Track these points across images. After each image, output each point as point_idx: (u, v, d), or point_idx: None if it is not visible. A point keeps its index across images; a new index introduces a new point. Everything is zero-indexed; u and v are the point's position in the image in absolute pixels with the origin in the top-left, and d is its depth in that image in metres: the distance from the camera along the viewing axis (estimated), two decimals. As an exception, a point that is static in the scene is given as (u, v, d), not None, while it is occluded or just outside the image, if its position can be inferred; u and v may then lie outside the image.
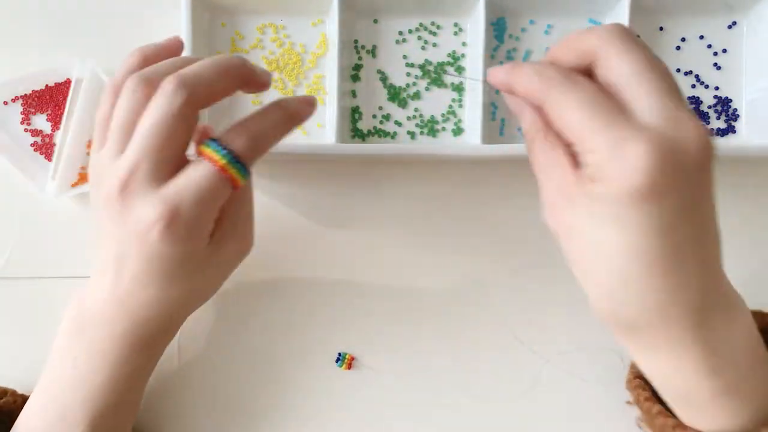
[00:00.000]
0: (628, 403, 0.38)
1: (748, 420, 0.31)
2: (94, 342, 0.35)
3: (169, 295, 0.34)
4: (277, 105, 0.34)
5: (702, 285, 0.29)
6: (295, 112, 0.34)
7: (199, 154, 0.32)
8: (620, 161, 0.27)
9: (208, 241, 0.34)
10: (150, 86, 0.32)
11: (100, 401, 0.35)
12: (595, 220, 0.29)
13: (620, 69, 0.29)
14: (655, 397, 0.35)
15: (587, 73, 0.30)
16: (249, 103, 0.45)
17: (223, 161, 0.31)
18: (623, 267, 0.29)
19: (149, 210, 0.31)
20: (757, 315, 0.36)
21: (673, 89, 0.28)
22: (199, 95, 0.31)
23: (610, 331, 0.32)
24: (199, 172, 0.31)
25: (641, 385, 0.36)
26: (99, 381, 0.35)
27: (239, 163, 0.32)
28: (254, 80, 0.34)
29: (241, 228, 0.36)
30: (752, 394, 0.31)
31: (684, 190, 0.28)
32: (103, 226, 0.34)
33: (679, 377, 0.32)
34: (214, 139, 0.32)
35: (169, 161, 0.32)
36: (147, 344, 0.36)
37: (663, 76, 0.28)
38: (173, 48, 0.35)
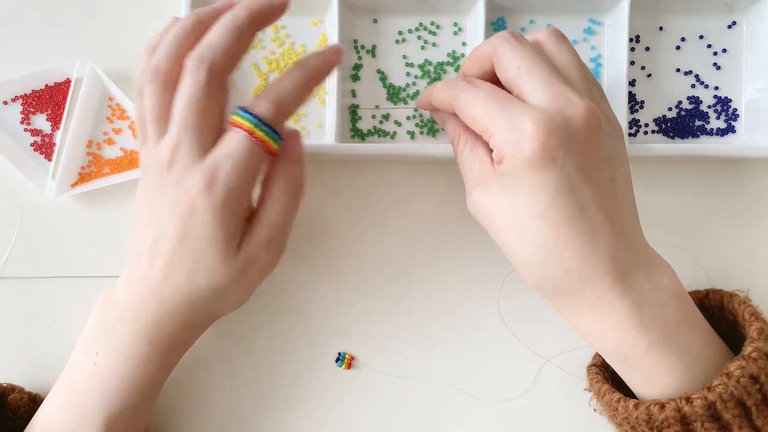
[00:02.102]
0: (585, 389, 0.39)
1: (682, 375, 0.33)
2: (116, 340, 0.35)
3: (196, 284, 0.34)
4: (298, 64, 0.36)
5: (615, 241, 0.33)
6: (315, 68, 0.36)
7: (231, 123, 0.34)
8: (514, 135, 0.32)
9: (242, 231, 0.35)
10: (160, 74, 0.34)
11: (117, 403, 0.36)
12: (509, 194, 0.33)
13: (512, 64, 0.34)
14: (607, 381, 0.37)
15: (492, 80, 0.36)
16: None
17: (249, 124, 0.34)
18: (538, 232, 0.33)
19: (195, 178, 0.33)
20: (710, 292, 0.39)
21: (560, 77, 0.33)
22: (220, 64, 0.33)
23: (545, 299, 0.35)
24: (231, 139, 0.34)
25: (596, 371, 0.38)
26: (117, 382, 0.35)
27: (266, 126, 0.34)
28: (269, 14, 0.35)
29: (276, 243, 0.36)
30: (684, 347, 0.33)
31: (577, 154, 0.32)
32: (147, 213, 0.35)
33: (612, 333, 0.34)
34: (241, 108, 0.35)
35: (207, 134, 0.34)
36: (169, 344, 0.36)
37: (550, 67, 0.33)
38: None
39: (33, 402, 0.40)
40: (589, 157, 0.32)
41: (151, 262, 0.34)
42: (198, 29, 0.35)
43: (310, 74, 0.36)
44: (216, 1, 0.37)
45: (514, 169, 0.32)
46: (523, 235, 0.33)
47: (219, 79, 0.34)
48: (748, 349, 0.32)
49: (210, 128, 0.34)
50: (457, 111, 0.35)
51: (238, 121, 0.34)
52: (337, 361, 0.44)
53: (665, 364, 0.33)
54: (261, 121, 0.34)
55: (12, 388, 0.40)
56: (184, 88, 0.33)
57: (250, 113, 0.34)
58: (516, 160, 0.32)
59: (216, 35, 0.34)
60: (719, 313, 0.38)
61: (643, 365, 0.34)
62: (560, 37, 0.35)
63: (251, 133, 0.34)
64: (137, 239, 0.35)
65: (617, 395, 0.35)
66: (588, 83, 0.35)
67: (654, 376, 0.33)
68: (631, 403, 0.34)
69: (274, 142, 0.35)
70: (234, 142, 0.34)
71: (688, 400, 0.32)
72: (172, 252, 0.34)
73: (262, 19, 0.35)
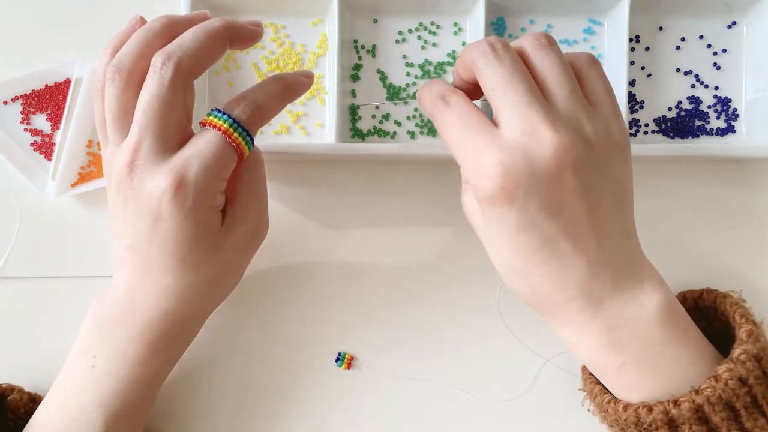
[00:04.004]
0: (580, 389, 0.39)
1: (661, 389, 0.33)
2: (113, 342, 0.35)
3: (185, 283, 0.34)
4: (276, 77, 0.36)
5: (589, 269, 0.32)
6: (292, 83, 0.36)
7: (203, 124, 0.34)
8: (476, 172, 0.31)
9: (220, 221, 0.34)
10: (122, 71, 0.33)
11: (116, 403, 0.35)
12: (483, 215, 0.33)
13: (487, 84, 0.32)
14: (599, 382, 0.37)
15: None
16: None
17: (226, 125, 0.33)
18: (506, 258, 0.33)
19: (158, 181, 0.32)
20: (705, 292, 0.38)
21: (536, 100, 0.31)
22: (188, 64, 0.33)
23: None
24: (204, 138, 0.33)
25: (589, 371, 0.38)
26: (115, 383, 0.35)
27: (242, 128, 0.34)
28: (240, 36, 0.35)
29: (254, 210, 0.36)
30: (666, 365, 0.33)
31: (540, 191, 0.31)
32: (117, 218, 0.34)
33: (584, 349, 0.34)
34: (216, 109, 0.34)
35: (171, 134, 0.33)
36: (166, 343, 0.36)
37: (525, 89, 0.31)
38: (134, 30, 0.35)
39: (33, 402, 0.40)
40: (557, 192, 0.31)
41: (133, 266, 0.34)
42: (167, 33, 0.34)
43: (287, 86, 0.36)
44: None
45: (479, 200, 0.32)
46: (495, 254, 0.34)
47: (186, 79, 0.33)
48: (736, 352, 0.32)
49: (174, 129, 0.33)
50: (436, 127, 0.35)
51: (212, 122, 0.33)
52: (337, 361, 0.44)
53: (640, 380, 0.33)
54: (237, 123, 0.33)
55: (12, 389, 0.40)
56: (149, 85, 0.32)
57: (227, 114, 0.33)
58: (478, 195, 0.32)
59: (187, 37, 0.33)
60: (713, 313, 0.38)
61: (618, 380, 0.34)
62: (546, 45, 0.33)
63: (226, 134, 0.33)
64: (116, 243, 0.35)
65: (608, 396, 0.35)
66: (573, 99, 0.32)
67: (631, 390, 0.34)
68: (621, 404, 0.34)
69: (248, 146, 0.34)
70: (206, 142, 0.33)
71: (676, 403, 0.31)
72: (154, 256, 0.33)
73: (235, 36, 0.35)
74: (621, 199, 0.33)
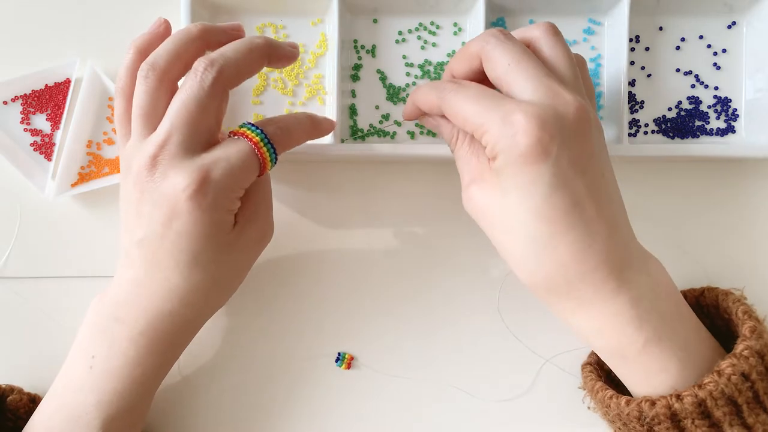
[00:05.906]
0: (580, 387, 0.39)
1: (678, 372, 0.33)
2: (113, 342, 0.35)
3: (192, 282, 0.35)
4: (306, 114, 0.39)
5: (609, 236, 0.33)
6: (319, 122, 0.39)
7: (234, 133, 0.35)
8: (508, 130, 0.32)
9: (233, 224, 0.35)
10: (157, 70, 0.34)
11: (115, 404, 0.36)
12: (504, 190, 0.33)
13: (501, 60, 0.33)
14: (600, 379, 0.38)
15: (480, 79, 0.36)
16: (249, 104, 0.45)
17: (257, 138, 0.35)
18: (532, 228, 0.32)
19: (182, 176, 0.33)
20: (706, 290, 0.39)
21: (550, 74, 0.33)
22: (228, 73, 0.34)
23: (540, 299, 0.35)
24: (234, 145, 0.34)
25: (590, 369, 0.38)
26: (114, 383, 0.35)
27: (271, 145, 0.35)
28: (278, 55, 0.37)
29: (263, 214, 0.38)
30: (678, 343, 0.33)
31: (570, 149, 0.32)
32: (130, 212, 0.34)
33: (610, 329, 0.34)
34: (249, 123, 0.35)
35: (200, 136, 0.34)
36: (166, 344, 0.36)
37: (539, 64, 0.33)
38: (161, 32, 0.37)
39: (32, 402, 0.40)
40: (581, 152, 0.32)
41: (141, 263, 0.34)
42: (202, 38, 0.35)
43: (315, 123, 0.39)
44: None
45: (509, 163, 0.32)
46: (518, 230, 0.33)
47: (224, 87, 0.34)
48: (739, 347, 0.33)
49: (203, 132, 0.34)
50: (447, 112, 0.35)
51: (245, 132, 0.35)
52: (337, 361, 0.44)
53: (662, 360, 0.33)
54: (268, 139, 0.35)
55: (11, 389, 0.40)
56: (188, 87, 0.33)
57: (259, 129, 0.35)
58: (510, 155, 0.32)
59: (230, 48, 0.35)
60: (715, 311, 0.38)
61: (640, 363, 0.34)
62: (554, 33, 0.35)
63: (256, 146, 0.34)
64: (125, 238, 0.35)
65: (610, 392, 0.35)
66: (578, 81, 0.35)
67: (652, 374, 0.34)
68: (623, 399, 0.34)
69: (271, 163, 0.36)
70: (236, 148, 0.34)
71: (679, 397, 0.32)
72: (164, 251, 0.34)
73: (275, 54, 0.36)
74: (614, 176, 0.35)
